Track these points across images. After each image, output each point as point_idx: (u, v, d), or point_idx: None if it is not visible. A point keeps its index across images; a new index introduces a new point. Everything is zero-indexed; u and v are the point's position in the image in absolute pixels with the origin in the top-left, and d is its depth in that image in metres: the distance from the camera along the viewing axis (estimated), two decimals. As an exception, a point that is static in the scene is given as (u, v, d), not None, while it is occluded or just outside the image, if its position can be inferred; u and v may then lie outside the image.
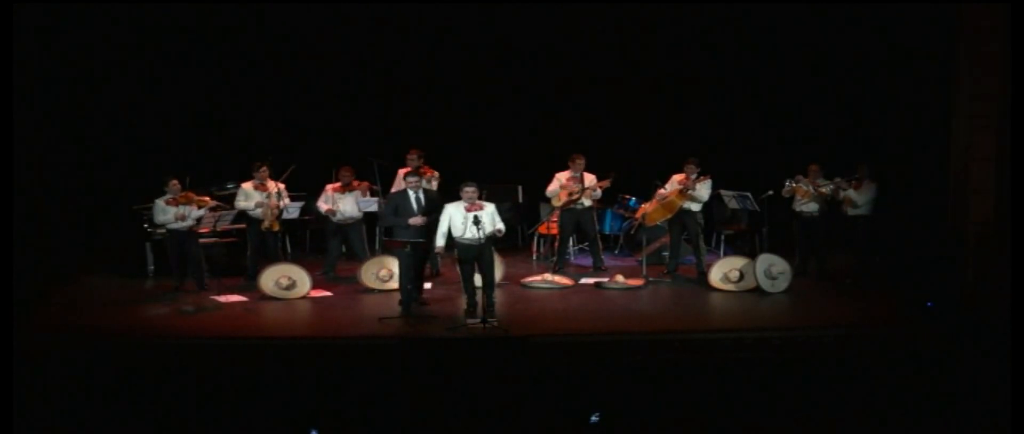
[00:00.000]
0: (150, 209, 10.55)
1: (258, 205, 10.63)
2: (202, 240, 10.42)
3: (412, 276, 9.38)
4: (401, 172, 10.82)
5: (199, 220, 10.17)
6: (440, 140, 11.91)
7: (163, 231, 10.42)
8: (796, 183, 10.72)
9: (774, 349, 8.44)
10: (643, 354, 8.40)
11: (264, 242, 10.76)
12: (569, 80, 13.08)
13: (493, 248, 9.39)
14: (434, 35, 12.81)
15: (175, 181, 10.20)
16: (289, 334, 8.98)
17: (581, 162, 11.04)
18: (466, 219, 8.99)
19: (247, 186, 10.73)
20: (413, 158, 10.78)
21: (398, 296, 9.45)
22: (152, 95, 12.38)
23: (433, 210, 9.32)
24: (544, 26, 12.77)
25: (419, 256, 9.49)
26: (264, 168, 10.68)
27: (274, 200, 10.62)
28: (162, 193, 10.18)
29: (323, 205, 10.88)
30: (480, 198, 9.22)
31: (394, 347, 8.45)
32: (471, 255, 9.18)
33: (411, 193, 9.35)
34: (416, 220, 9.22)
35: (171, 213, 10.12)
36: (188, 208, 10.13)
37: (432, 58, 12.94)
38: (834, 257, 10.97)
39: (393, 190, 10.69)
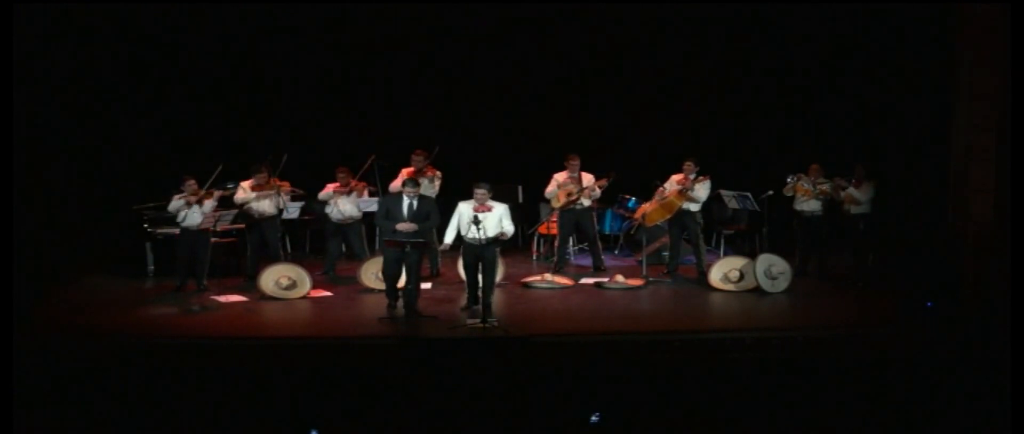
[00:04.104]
0: (150, 209, 10.54)
1: (259, 197, 10.60)
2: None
3: (395, 275, 9.38)
4: (404, 172, 10.81)
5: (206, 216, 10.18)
6: (441, 140, 11.89)
7: (165, 231, 10.40)
8: (797, 180, 10.73)
9: (774, 349, 8.44)
10: (643, 354, 8.40)
11: (264, 242, 10.77)
12: (569, 79, 13.08)
13: (497, 251, 9.40)
14: (435, 35, 12.80)
15: (192, 180, 10.19)
16: (289, 334, 8.99)
17: (576, 162, 11.03)
18: (470, 219, 9.04)
19: (246, 184, 10.72)
20: (418, 159, 10.80)
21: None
22: (153, 95, 12.37)
23: (424, 218, 9.30)
24: (544, 26, 12.77)
25: (415, 257, 9.48)
26: (264, 172, 10.66)
27: (275, 196, 10.64)
28: (165, 193, 10.16)
29: (323, 196, 10.90)
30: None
31: (394, 347, 8.45)
32: (472, 254, 9.22)
33: (405, 199, 9.32)
34: (403, 226, 9.20)
35: (182, 203, 10.11)
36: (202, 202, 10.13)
37: (433, 58, 12.95)
38: (834, 257, 10.97)
39: (392, 188, 10.67)
